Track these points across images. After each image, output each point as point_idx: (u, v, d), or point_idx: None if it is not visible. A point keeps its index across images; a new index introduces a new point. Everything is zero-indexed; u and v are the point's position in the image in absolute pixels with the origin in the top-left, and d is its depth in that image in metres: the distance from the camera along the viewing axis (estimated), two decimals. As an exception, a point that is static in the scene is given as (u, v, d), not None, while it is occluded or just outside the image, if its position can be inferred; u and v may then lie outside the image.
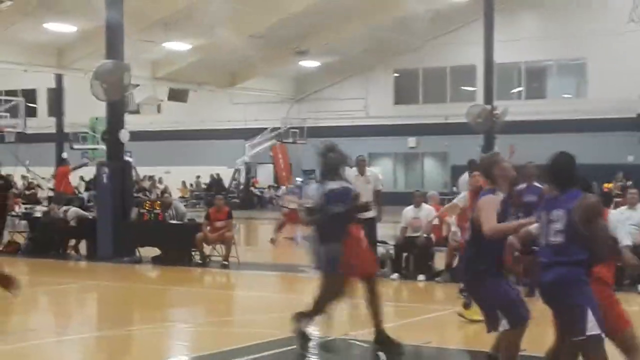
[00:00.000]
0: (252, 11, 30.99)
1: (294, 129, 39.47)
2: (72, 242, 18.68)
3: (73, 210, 18.71)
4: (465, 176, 14.83)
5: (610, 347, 6.18)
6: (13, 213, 19.99)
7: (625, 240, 6.57)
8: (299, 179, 42.37)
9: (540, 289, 6.11)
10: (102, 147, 25.87)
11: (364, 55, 38.31)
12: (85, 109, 35.15)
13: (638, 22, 31.05)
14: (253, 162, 40.52)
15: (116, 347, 9.75)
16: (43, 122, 41.77)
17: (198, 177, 42.52)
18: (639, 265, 6.86)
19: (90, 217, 18.65)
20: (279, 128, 39.58)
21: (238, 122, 41.28)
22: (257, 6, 30.69)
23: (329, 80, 41.18)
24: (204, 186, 42.08)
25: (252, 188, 40.57)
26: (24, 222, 19.54)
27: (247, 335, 9.60)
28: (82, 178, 38.85)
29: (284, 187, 41.55)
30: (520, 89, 38.70)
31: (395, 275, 14.13)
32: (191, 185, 42.80)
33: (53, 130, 39.52)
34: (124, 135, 18.18)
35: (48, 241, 18.56)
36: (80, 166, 26.26)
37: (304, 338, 8.50)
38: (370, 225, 14.09)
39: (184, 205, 21.12)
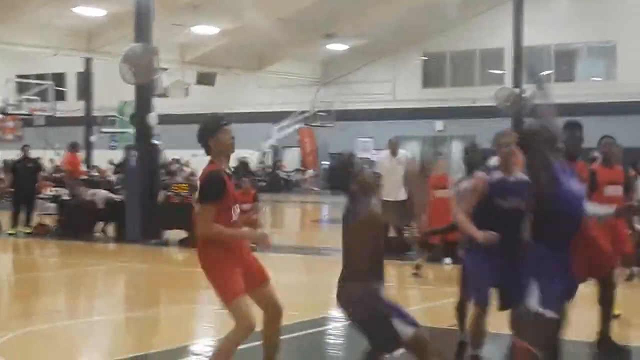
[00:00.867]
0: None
1: (321, 113, 39.47)
2: (101, 224, 18.83)
3: (102, 193, 18.86)
4: (494, 159, 14.81)
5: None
6: (42, 196, 20.19)
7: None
8: (325, 163, 42.45)
9: None
10: (131, 130, 26.07)
11: (392, 38, 38.16)
12: (113, 92, 35.41)
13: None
14: (280, 145, 40.59)
15: (144, 329, 9.84)
16: (72, 106, 42.07)
17: (225, 160, 42.62)
18: None
19: (118, 199, 18.80)
20: (306, 111, 39.59)
21: (265, 106, 41.34)
22: (285, -11, 30.70)
23: (357, 64, 41.08)
24: (231, 169, 42.16)
25: (278, 171, 40.64)
26: (53, 204, 19.70)
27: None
28: (110, 161, 39.15)
29: (310, 171, 41.65)
30: (549, 71, 38.39)
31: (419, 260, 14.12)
32: (218, 168, 42.92)
33: (82, 114, 39.79)
34: (152, 119, 18.27)
35: (77, 223, 18.72)
36: None
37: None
38: (403, 208, 14.10)
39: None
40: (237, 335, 6.22)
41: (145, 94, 18.51)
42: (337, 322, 9.73)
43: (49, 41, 32.93)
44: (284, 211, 30.57)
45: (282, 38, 34.95)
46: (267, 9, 31.77)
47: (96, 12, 31.12)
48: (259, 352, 6.52)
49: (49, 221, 19.61)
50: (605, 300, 7.53)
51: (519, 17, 30.28)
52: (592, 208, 6.11)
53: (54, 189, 21.94)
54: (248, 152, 41.11)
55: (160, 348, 8.56)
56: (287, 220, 27.39)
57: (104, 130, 39.02)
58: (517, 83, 30.49)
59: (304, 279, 13.97)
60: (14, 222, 19.22)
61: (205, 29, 34.08)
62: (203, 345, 8.62)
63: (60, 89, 42.33)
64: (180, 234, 17.41)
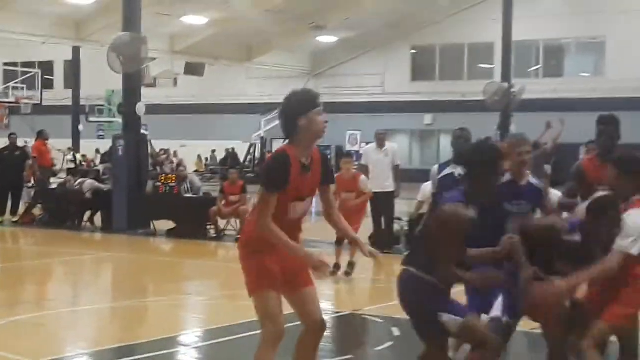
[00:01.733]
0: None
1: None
2: (88, 214, 18.76)
3: (89, 183, 18.79)
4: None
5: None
6: (29, 184, 20.09)
7: None
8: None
9: None
10: (118, 120, 26.00)
11: (382, 31, 38.15)
12: (101, 81, 35.28)
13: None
14: (268, 137, 40.55)
15: (130, 318, 9.81)
16: (59, 94, 41.91)
17: (213, 151, 42.60)
18: None
19: (105, 189, 18.73)
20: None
21: (254, 97, 41.28)
22: (275, -20, 30.63)
23: (346, 56, 41.07)
24: (219, 160, 42.17)
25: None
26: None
27: (261, 309, 9.62)
28: (97, 150, 39.04)
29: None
30: (538, 67, 38.47)
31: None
32: (206, 159, 42.90)
33: (69, 103, 39.64)
34: (140, 109, 18.21)
35: (64, 213, 18.65)
36: None
37: None
38: (388, 201, 14.13)
39: (199, 179, 21.16)
40: (264, 346, 5.39)
41: (133, 83, 18.45)
42: (325, 314, 9.72)
43: (38, 29, 32.75)
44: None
45: (271, 29, 34.90)
46: (257, -1, 31.73)
47: (85, 1, 30.99)
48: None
49: (36, 210, 19.50)
50: None
51: (508, 11, 30.34)
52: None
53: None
54: (236, 143, 41.10)
55: (147, 338, 8.53)
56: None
57: (92, 119, 38.89)
58: (506, 78, 30.55)
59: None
60: (1, 211, 19.11)
61: (194, 19, 33.97)
62: (190, 336, 8.61)
63: (48, 77, 42.15)
64: (168, 224, 17.37)
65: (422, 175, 15.51)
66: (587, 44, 37.64)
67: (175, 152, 39.71)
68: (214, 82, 41.12)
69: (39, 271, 13.87)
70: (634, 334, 6.02)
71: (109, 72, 18.54)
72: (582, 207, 6.00)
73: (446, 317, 5.15)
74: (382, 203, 13.98)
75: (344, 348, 8.15)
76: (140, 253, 15.71)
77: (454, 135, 8.21)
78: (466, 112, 36.22)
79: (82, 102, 39.03)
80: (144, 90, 19.41)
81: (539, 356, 6.31)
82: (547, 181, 9.08)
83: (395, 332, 8.29)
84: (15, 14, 30.68)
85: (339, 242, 11.82)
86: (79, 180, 19.06)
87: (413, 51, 40.64)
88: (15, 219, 19.01)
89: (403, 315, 5.56)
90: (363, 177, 12.74)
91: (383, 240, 13.69)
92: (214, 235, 16.69)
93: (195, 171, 37.58)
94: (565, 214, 6.61)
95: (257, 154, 40.12)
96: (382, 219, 14.17)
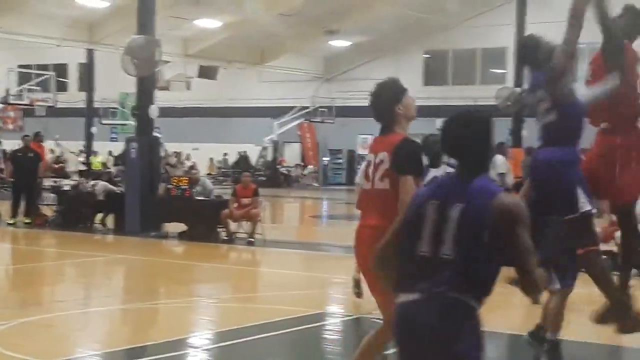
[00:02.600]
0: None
1: (322, 108, 39.49)
2: (100, 216, 18.83)
3: (101, 185, 18.88)
4: (495, 158, 15.10)
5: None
6: (44, 186, 20.18)
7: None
8: (325, 159, 42.45)
9: None
10: (131, 122, 26.06)
11: (395, 36, 38.15)
12: (115, 84, 35.45)
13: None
14: (280, 140, 40.61)
15: (141, 320, 9.86)
16: (73, 97, 42.06)
17: (225, 154, 42.68)
18: None
19: (118, 191, 18.80)
20: (307, 107, 39.61)
21: (266, 100, 41.33)
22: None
23: (359, 60, 41.07)
24: (231, 163, 42.26)
25: (278, 166, 40.67)
26: (52, 195, 19.71)
27: (272, 312, 9.66)
28: (110, 153, 39.19)
29: (310, 166, 41.67)
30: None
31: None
32: (219, 162, 42.99)
33: (83, 105, 39.79)
34: (153, 111, 18.27)
35: (76, 214, 18.73)
36: None
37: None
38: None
39: (211, 182, 21.23)
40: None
41: (146, 86, 18.52)
42: (335, 317, 9.77)
43: (52, 32, 32.89)
44: (284, 206, 30.59)
45: (284, 33, 34.95)
46: (270, 3, 31.78)
47: (99, 4, 31.11)
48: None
49: (49, 212, 19.59)
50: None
51: (521, 16, 30.28)
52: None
53: (53, 179, 21.99)
54: (248, 147, 41.17)
55: (157, 340, 8.57)
56: (286, 215, 27.41)
57: (105, 122, 39.05)
58: (518, 83, 30.50)
59: (302, 274, 14.00)
60: (14, 212, 19.22)
61: (208, 23, 34.07)
62: (200, 338, 8.64)
63: (62, 79, 42.34)
64: (180, 226, 17.43)
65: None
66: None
67: (187, 155, 39.82)
68: (226, 85, 41.20)
69: (51, 272, 13.95)
70: None
71: (123, 75, 18.61)
72: None
73: None
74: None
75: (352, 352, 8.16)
76: (152, 255, 15.76)
77: (431, 142, 8.08)
78: (478, 117, 36.23)
79: (95, 105, 39.16)
80: (158, 93, 19.46)
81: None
82: None
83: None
84: (29, 17, 30.84)
85: None
86: (92, 182, 19.15)
87: (425, 56, 40.63)
88: (27, 221, 19.08)
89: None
90: None
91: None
92: (226, 238, 16.74)
93: (208, 174, 37.69)
94: None
95: (270, 157, 40.19)
96: None
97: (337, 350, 8.30)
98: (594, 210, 5.88)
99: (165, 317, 10.16)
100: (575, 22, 5.86)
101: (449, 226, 3.62)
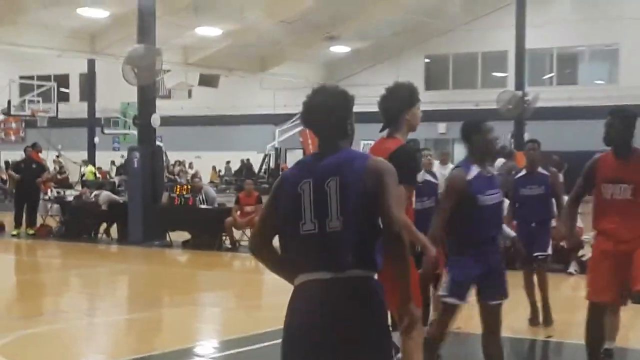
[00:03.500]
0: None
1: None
2: (104, 225, 18.83)
3: (104, 195, 18.89)
4: (498, 161, 15.15)
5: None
6: (45, 197, 20.21)
7: None
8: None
9: None
10: (133, 132, 26.07)
11: (395, 40, 38.18)
12: (116, 94, 35.45)
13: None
14: (283, 147, 40.60)
15: (146, 330, 9.85)
16: (75, 107, 42.09)
17: (228, 162, 42.69)
18: None
19: (121, 201, 18.80)
20: (309, 114, 39.61)
21: (268, 108, 41.36)
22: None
23: (360, 66, 41.10)
24: (233, 171, 42.26)
25: (281, 173, 40.69)
26: (56, 205, 19.71)
27: (276, 319, 9.60)
28: (113, 162, 39.21)
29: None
30: (551, 75, 38.39)
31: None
32: (221, 170, 42.99)
33: (85, 115, 39.83)
34: (155, 120, 18.28)
35: (80, 225, 18.73)
36: None
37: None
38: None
39: (214, 190, 21.22)
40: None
41: (148, 95, 18.53)
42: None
43: (53, 42, 32.93)
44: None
45: (284, 40, 35.00)
46: (270, 10, 31.80)
47: (100, 14, 31.14)
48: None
49: (52, 222, 19.60)
50: None
51: (521, 20, 30.27)
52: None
53: (56, 190, 21.97)
54: (251, 154, 41.17)
55: (163, 350, 8.56)
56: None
57: (107, 131, 39.08)
58: (519, 86, 30.50)
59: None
60: (17, 224, 19.22)
61: (208, 31, 34.10)
62: (205, 346, 8.63)
63: (64, 90, 42.39)
64: (183, 235, 17.43)
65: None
66: (601, 51, 37.55)
67: (190, 164, 39.83)
68: (228, 93, 41.24)
69: (55, 283, 13.95)
70: None
71: (124, 85, 18.63)
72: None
73: None
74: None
75: None
76: (156, 264, 15.77)
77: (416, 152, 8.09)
78: (480, 121, 36.24)
79: (97, 115, 39.20)
80: (159, 102, 19.48)
81: None
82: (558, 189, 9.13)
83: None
84: (30, 28, 30.89)
85: None
86: (95, 193, 19.17)
87: (426, 60, 40.65)
88: (31, 232, 19.09)
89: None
90: None
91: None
92: (229, 246, 16.74)
93: (210, 182, 37.70)
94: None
95: (272, 164, 40.19)
96: None
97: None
98: None
99: (170, 326, 10.17)
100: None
101: (330, 200, 3.65)
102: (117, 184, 28.06)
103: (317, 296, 3.65)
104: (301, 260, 3.73)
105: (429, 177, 8.19)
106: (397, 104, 5.42)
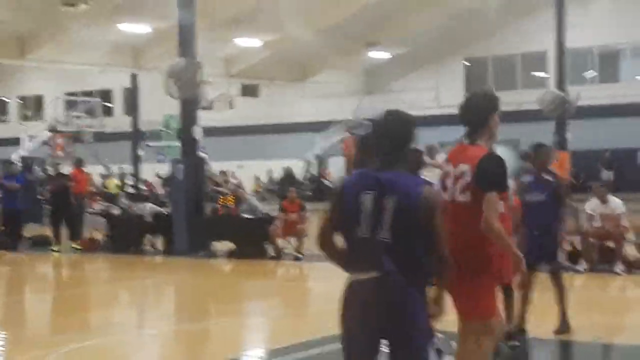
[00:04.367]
0: (322, 4, 31.10)
1: (364, 122, 39.49)
2: (149, 237, 19.00)
3: (149, 207, 19.07)
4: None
5: None
6: (91, 210, 20.41)
7: None
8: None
9: None
10: (177, 143, 26.27)
11: (434, 45, 38.14)
12: (159, 106, 35.76)
13: None
14: (324, 154, 40.68)
15: (194, 341, 9.95)
16: (119, 121, 42.59)
17: (270, 170, 42.86)
18: None
19: (165, 213, 18.96)
20: (350, 120, 39.65)
21: (309, 116, 41.48)
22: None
23: (400, 72, 41.08)
24: (276, 180, 42.39)
25: (323, 180, 40.75)
26: (102, 219, 19.92)
27: (323, 327, 9.69)
28: (158, 175, 39.57)
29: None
30: (593, 73, 38.04)
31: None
32: (262, 179, 43.16)
33: (129, 129, 40.28)
34: (197, 132, 18.44)
35: (125, 237, 18.86)
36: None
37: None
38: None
39: (257, 199, 21.33)
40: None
41: (190, 107, 18.68)
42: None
43: (96, 58, 33.46)
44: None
45: (324, 48, 35.09)
46: (309, 19, 31.95)
47: (142, 29, 31.54)
48: None
49: (99, 236, 19.81)
50: None
51: (561, 19, 30.06)
52: None
53: (102, 203, 22.22)
54: (293, 162, 41.30)
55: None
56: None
57: (150, 144, 39.45)
58: (560, 86, 30.28)
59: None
60: (57, 239, 19.18)
61: (249, 42, 34.37)
62: (253, 356, 8.70)
63: (108, 104, 42.93)
64: (228, 245, 17.54)
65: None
66: (643, 48, 37.17)
67: (232, 173, 40.05)
68: (269, 103, 41.45)
69: (103, 296, 14.12)
70: None
71: (167, 98, 18.78)
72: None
73: None
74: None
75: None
76: (202, 275, 15.89)
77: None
78: (521, 122, 36.02)
79: (141, 128, 39.62)
80: (201, 113, 19.63)
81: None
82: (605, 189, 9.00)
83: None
84: (73, 45, 31.42)
85: None
86: (140, 205, 19.37)
87: (466, 63, 40.52)
88: (76, 246, 19.07)
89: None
90: None
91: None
92: (274, 255, 16.81)
93: (253, 191, 37.87)
94: None
95: (315, 172, 40.29)
96: None
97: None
98: None
99: (217, 336, 10.23)
100: None
101: (385, 214, 4.25)
102: (162, 195, 28.29)
103: (367, 292, 4.24)
104: (356, 260, 4.34)
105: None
106: (481, 111, 5.39)
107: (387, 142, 4.42)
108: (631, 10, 35.38)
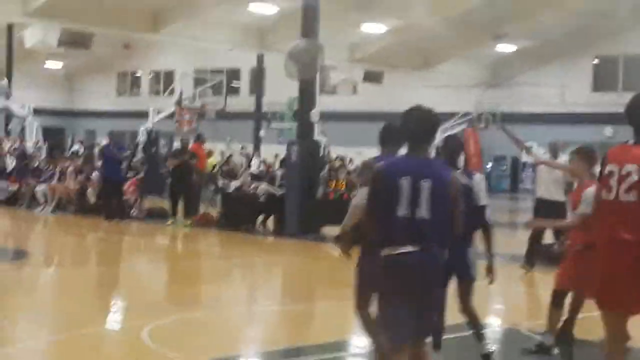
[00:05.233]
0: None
1: (486, 115, 38.92)
2: (261, 217, 19.12)
3: (263, 187, 19.26)
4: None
5: None
6: (212, 187, 20.71)
7: None
8: (489, 165, 41.82)
9: None
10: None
11: (563, 41, 37.15)
12: (284, 88, 36.17)
13: None
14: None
15: (299, 321, 10.04)
16: (244, 101, 43.27)
17: (388, 157, 42.74)
18: None
19: (278, 194, 19.08)
20: (471, 113, 39.14)
21: (430, 105, 41.03)
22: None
23: (525, 66, 40.21)
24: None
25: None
26: (218, 196, 20.23)
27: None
28: (276, 155, 40.07)
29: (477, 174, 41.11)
30: None
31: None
32: (382, 166, 43.11)
33: (252, 109, 40.87)
34: (314, 115, 18.52)
35: (238, 215, 19.02)
36: None
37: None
38: (560, 213, 13.76)
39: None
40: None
41: (308, 90, 18.74)
42: (491, 328, 9.62)
43: (225, 37, 34.08)
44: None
45: (449, 37, 34.68)
46: (435, 7, 31.59)
47: (269, 10, 31.92)
48: None
49: (214, 212, 20.12)
50: None
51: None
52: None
53: (223, 181, 22.52)
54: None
55: (316, 341, 8.67)
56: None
57: (273, 125, 39.93)
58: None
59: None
60: (172, 213, 19.56)
61: (373, 27, 34.29)
62: (355, 341, 8.70)
63: (235, 84, 43.67)
64: (337, 230, 17.54)
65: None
66: None
67: (350, 159, 40.17)
68: (391, 90, 41.29)
69: (210, 272, 14.38)
70: None
71: (291, 80, 18.86)
72: None
73: None
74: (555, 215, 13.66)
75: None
76: (310, 257, 16.00)
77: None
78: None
79: (265, 109, 40.14)
80: (325, 98, 19.63)
81: None
82: None
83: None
84: (205, 23, 32.09)
85: None
86: (254, 185, 19.60)
87: (595, 61, 39.35)
88: (189, 222, 19.22)
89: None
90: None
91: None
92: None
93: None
94: None
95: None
96: None
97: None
98: None
99: (323, 318, 10.31)
100: None
101: (422, 195, 5.09)
102: (279, 176, 28.58)
103: (410, 262, 5.12)
104: (395, 236, 5.14)
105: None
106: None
107: (419, 132, 5.38)
108: None
